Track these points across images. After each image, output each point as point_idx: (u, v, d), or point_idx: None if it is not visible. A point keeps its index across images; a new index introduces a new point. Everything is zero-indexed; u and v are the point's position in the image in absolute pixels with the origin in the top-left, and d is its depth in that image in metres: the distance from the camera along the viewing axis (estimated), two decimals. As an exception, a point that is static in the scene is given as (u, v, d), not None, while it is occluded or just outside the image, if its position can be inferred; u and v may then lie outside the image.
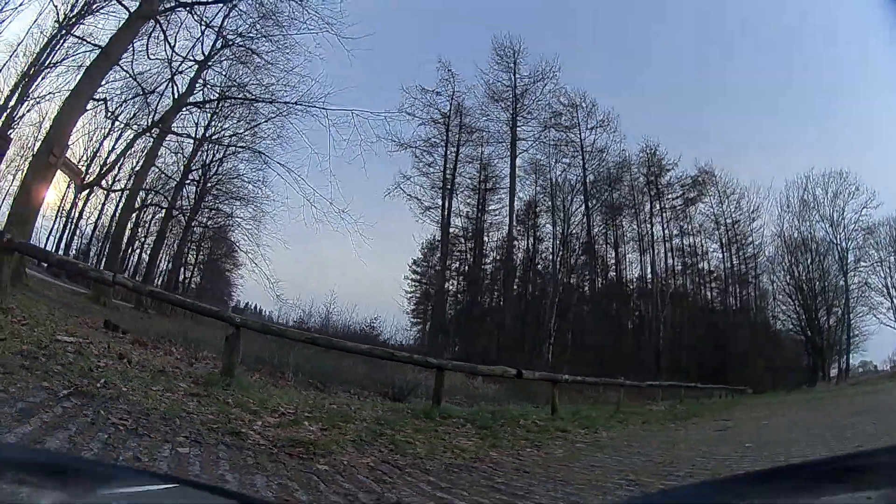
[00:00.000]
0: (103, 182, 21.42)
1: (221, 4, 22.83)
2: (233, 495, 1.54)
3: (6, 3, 20.16)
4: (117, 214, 23.66)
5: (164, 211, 26.53)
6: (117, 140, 24.65)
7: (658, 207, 35.70)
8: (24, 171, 17.97)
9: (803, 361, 32.64)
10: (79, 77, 19.04)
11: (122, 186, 22.81)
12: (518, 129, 35.57)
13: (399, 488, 4.27)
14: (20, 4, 19.92)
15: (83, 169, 21.30)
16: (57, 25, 20.30)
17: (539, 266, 37.00)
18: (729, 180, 35.04)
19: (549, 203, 36.08)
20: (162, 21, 21.43)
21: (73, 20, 21.23)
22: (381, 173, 41.76)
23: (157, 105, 23.48)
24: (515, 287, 36.26)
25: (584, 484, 4.86)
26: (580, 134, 35.62)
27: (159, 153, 25.67)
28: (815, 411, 13.85)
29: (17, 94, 20.79)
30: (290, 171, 22.74)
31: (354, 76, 44.58)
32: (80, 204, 24.54)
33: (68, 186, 21.07)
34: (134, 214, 25.98)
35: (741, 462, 6.03)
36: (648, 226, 35.59)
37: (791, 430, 9.85)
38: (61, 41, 21.42)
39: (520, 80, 35.97)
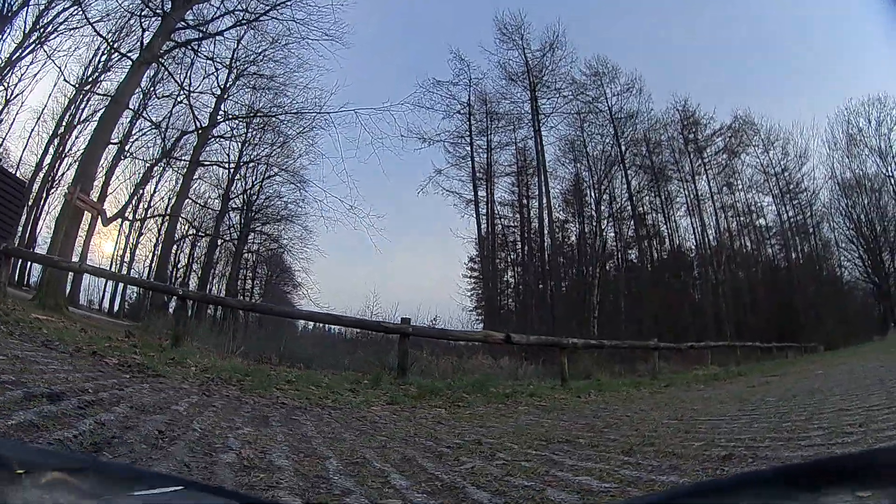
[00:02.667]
0: (128, 215, 20.84)
1: (233, 39, 22.28)
2: (243, 498, 1.33)
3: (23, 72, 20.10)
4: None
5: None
6: (159, 179, 24.27)
7: (701, 164, 31.11)
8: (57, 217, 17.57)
9: (875, 311, 27.60)
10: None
11: (143, 216, 22.26)
12: (541, 105, 31.53)
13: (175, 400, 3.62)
14: (38, 72, 19.79)
15: (105, 206, 20.82)
16: (75, 88, 20.06)
17: (594, 244, 33.08)
18: (772, 125, 30.34)
19: (589, 179, 31.73)
20: (167, 63, 20.90)
21: (92, 80, 20.94)
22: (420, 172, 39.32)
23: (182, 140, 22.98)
24: (575, 268, 32.45)
25: (406, 437, 3.49)
26: (607, 102, 31.10)
27: (196, 186, 25.52)
28: (869, 361, 10.90)
29: (51, 153, 20.82)
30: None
31: (367, 82, 41.81)
32: (132, 246, 24.31)
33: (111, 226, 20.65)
34: (180, 245, 25.62)
35: (723, 423, 3.89)
36: (693, 185, 31.06)
37: (827, 382, 7.25)
38: (86, 99, 21.30)
39: (531, 55, 31.63)
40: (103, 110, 18.59)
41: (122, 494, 0.76)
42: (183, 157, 20.97)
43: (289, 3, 19.63)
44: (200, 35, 19.58)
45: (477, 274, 34.57)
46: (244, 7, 19.40)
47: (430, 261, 42.20)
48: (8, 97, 20.15)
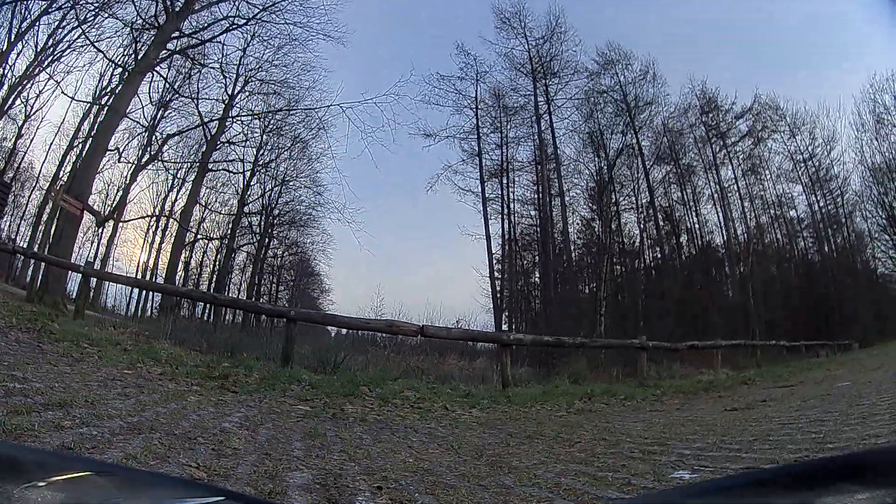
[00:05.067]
0: (119, 216, 19.73)
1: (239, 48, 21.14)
2: (228, 494, 1.08)
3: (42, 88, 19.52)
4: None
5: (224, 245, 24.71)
6: (180, 186, 23.15)
7: (724, 152, 26.78)
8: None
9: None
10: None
11: (137, 217, 21.03)
12: (552, 97, 27.48)
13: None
14: (55, 89, 19.10)
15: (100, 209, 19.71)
16: (82, 102, 19.35)
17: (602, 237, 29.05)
18: (797, 109, 25.75)
19: (608, 174, 26.94)
20: (174, 74, 19.96)
21: (108, 94, 20.12)
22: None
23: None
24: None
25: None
26: (623, 90, 26.88)
27: (222, 195, 24.51)
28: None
29: (70, 165, 20.08)
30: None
31: (368, 80, 39.07)
32: (155, 252, 23.32)
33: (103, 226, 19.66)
34: (204, 251, 24.60)
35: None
36: (716, 175, 26.76)
37: (853, 406, 4.56)
38: (104, 112, 20.52)
39: (533, 42, 27.32)
40: (101, 120, 17.66)
41: (136, 498, 0.70)
42: (179, 161, 20.09)
43: (280, 7, 18.20)
44: (197, 42, 18.42)
45: (501, 276, 31.29)
46: (236, 13, 18.08)
47: (451, 263, 39.23)
48: (28, 112, 19.66)
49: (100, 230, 19.71)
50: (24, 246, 18.20)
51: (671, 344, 10.49)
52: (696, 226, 28.07)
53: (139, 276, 22.69)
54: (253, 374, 5.56)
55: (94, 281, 21.41)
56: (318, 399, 4.74)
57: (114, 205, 18.68)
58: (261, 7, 17.81)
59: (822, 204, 25.55)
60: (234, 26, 17.90)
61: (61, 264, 10.94)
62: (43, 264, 12.91)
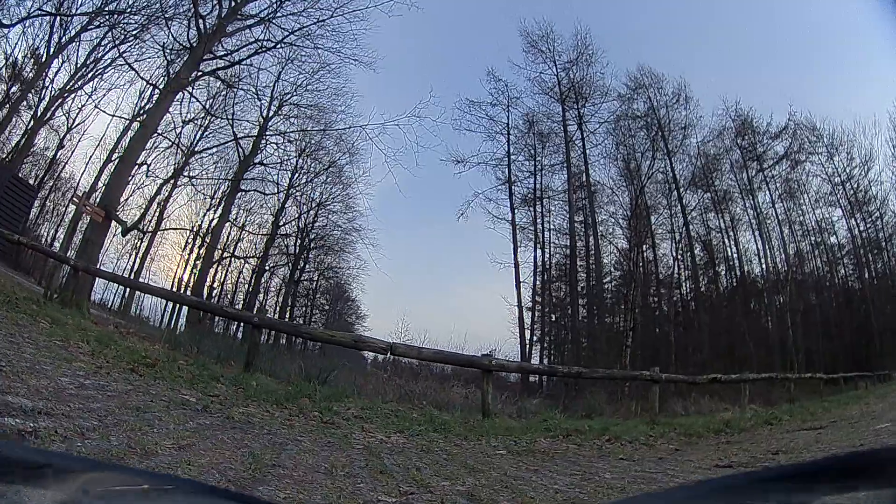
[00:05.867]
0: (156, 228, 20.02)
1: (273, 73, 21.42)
2: (233, 496, 1.16)
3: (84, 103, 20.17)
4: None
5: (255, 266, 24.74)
6: (217, 206, 23.39)
7: (761, 178, 25.01)
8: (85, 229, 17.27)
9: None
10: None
11: (161, 228, 21.29)
12: (585, 122, 26.31)
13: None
14: (96, 104, 19.70)
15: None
16: (120, 118, 19.89)
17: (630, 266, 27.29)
18: (834, 129, 23.96)
19: (639, 200, 25.24)
20: (207, 96, 20.31)
21: (145, 114, 20.65)
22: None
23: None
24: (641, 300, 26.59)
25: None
26: (656, 115, 25.36)
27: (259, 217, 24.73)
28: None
29: (103, 177, 20.64)
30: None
31: (388, 98, 37.84)
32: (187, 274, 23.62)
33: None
34: (240, 270, 24.75)
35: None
36: (753, 201, 25.03)
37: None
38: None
39: (561, 66, 26.17)
40: (133, 134, 18.04)
41: (117, 494, 0.67)
42: (208, 177, 20.46)
43: (311, 32, 18.28)
44: (227, 64, 18.66)
45: (532, 306, 29.39)
46: (266, 37, 18.28)
47: (481, 290, 38.23)
48: (70, 125, 20.41)
49: (139, 242, 20.08)
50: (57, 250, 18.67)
51: (689, 377, 9.39)
52: (735, 255, 26.25)
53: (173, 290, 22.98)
54: (195, 372, 5.27)
55: (128, 291, 21.82)
56: (224, 397, 4.38)
57: (141, 216, 18.92)
58: (289, 31, 17.92)
59: (861, 228, 23.59)
60: (262, 49, 18.05)
61: (53, 254, 10.99)
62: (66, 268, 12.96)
